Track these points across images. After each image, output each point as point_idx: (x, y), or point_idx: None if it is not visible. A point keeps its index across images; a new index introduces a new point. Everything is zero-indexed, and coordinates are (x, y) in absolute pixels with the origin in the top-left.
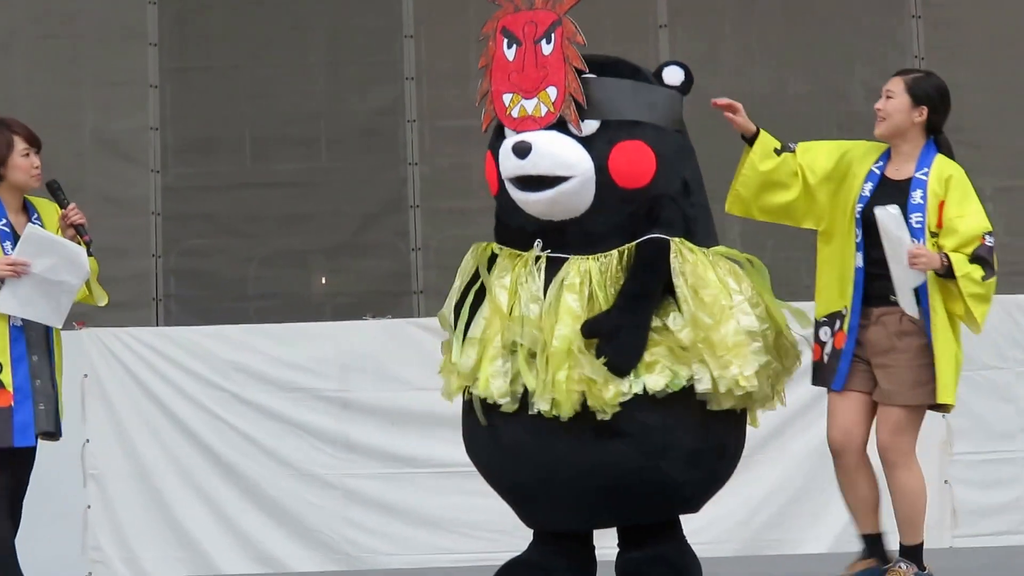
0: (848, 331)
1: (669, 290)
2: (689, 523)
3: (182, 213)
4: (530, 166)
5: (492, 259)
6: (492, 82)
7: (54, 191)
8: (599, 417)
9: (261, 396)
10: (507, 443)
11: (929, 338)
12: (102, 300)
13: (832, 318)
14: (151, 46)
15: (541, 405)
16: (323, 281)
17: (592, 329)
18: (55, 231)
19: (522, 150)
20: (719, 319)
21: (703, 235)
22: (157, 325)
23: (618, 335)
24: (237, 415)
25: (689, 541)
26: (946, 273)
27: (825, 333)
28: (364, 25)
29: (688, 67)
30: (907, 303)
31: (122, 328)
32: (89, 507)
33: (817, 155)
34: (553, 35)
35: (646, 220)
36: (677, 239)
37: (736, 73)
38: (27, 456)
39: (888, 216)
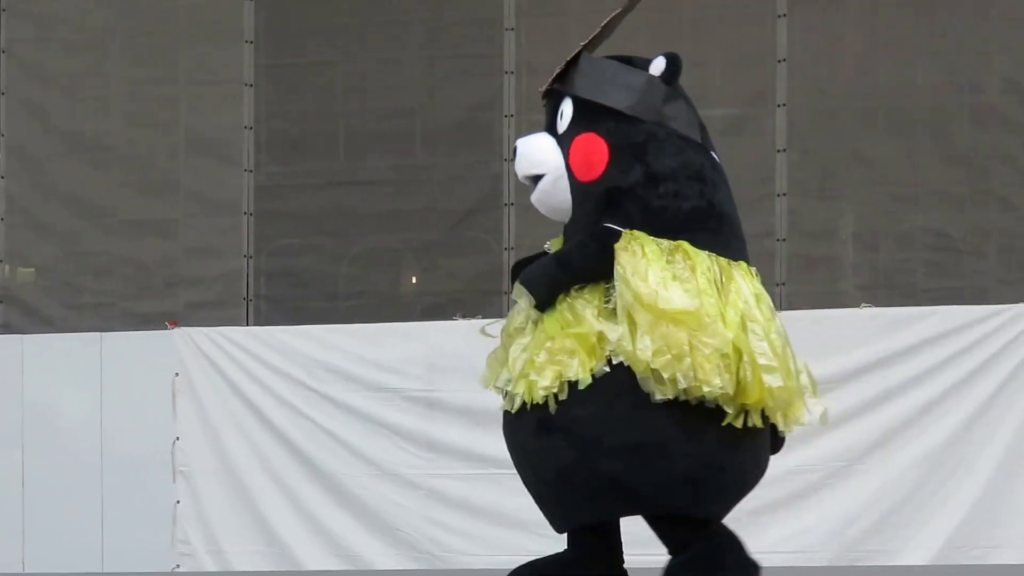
0: None
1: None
2: (780, 531)
3: (274, 212)
4: (518, 168)
5: None
6: None
7: None
8: (550, 408)
9: (348, 395)
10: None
11: None
12: None
13: None
14: (247, 43)
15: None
16: (414, 280)
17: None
18: None
19: (513, 153)
20: (646, 299)
21: (678, 226)
22: (248, 325)
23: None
24: (324, 414)
25: (779, 549)
26: None
27: None
28: (462, 18)
29: (675, 57)
30: None
31: (213, 328)
32: (178, 502)
33: None
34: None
35: (605, 210)
36: (630, 231)
37: (859, 65)
38: None
39: None
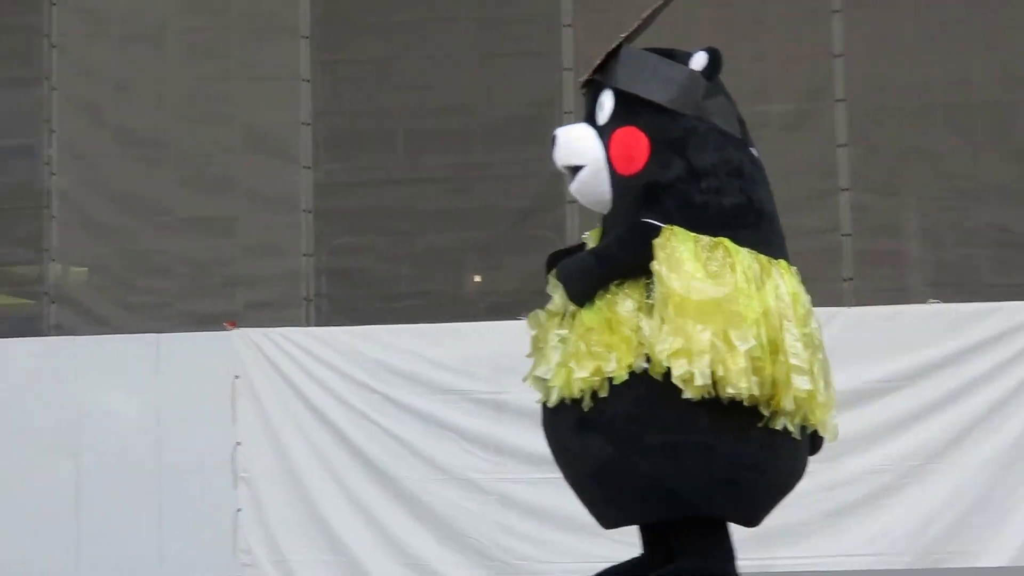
0: None
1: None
2: (859, 534)
3: (333, 210)
4: (557, 157)
5: None
6: None
7: None
8: (584, 405)
9: (412, 398)
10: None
11: None
12: None
13: None
14: (303, 39)
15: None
16: (476, 279)
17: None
18: None
19: (552, 141)
20: (681, 301)
21: (719, 223)
22: (307, 325)
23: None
24: (388, 417)
25: (860, 552)
26: None
27: None
28: (520, 14)
29: (716, 52)
30: None
31: (273, 328)
32: (240, 510)
33: None
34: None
35: (644, 205)
36: (670, 226)
37: (916, 59)
38: None
39: None
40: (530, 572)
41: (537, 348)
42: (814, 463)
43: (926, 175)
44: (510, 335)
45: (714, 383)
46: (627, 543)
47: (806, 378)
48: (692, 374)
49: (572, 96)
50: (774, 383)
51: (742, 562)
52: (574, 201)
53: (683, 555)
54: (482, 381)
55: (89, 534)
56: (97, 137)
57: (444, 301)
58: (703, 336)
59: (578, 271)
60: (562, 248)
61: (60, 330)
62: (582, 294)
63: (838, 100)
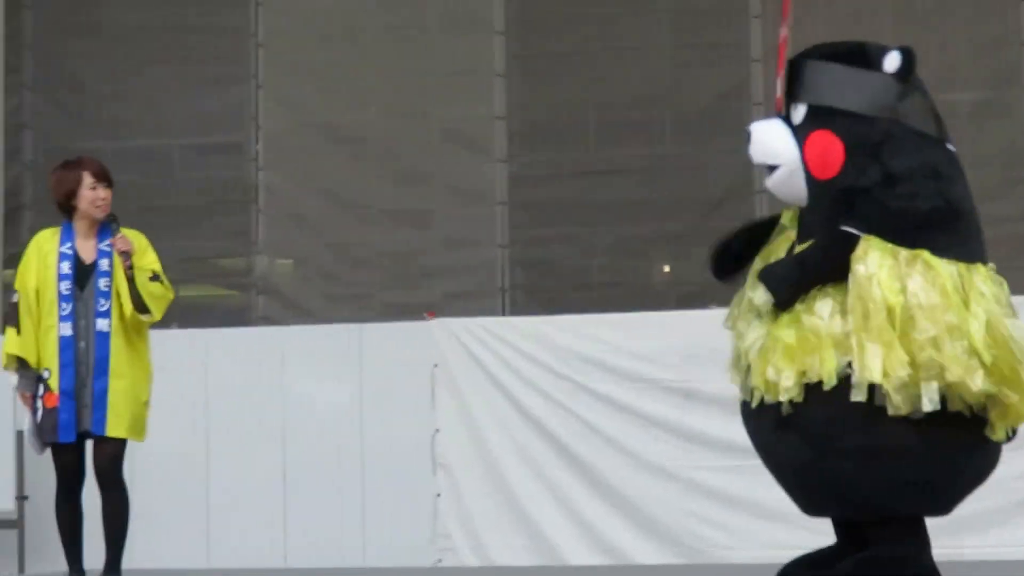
0: None
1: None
2: None
3: (527, 202)
4: (752, 153)
5: None
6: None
7: (109, 222)
8: (783, 410)
9: (605, 386)
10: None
11: None
12: (148, 317)
13: None
14: (497, 34)
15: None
16: (666, 269)
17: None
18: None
19: (746, 137)
20: (873, 311)
21: (917, 228)
22: (503, 315)
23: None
24: (582, 405)
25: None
26: None
27: None
28: (709, 6)
29: (909, 52)
30: None
31: (470, 318)
32: (439, 495)
33: None
34: (789, 19)
35: (843, 212)
36: (867, 236)
37: None
38: (73, 450)
39: None
40: (719, 558)
41: (737, 340)
42: (1007, 451)
43: None
44: (700, 325)
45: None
46: (815, 530)
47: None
48: (909, 396)
49: (761, 87)
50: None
51: (970, 550)
52: (764, 191)
53: (878, 542)
54: (672, 370)
55: (295, 519)
56: (301, 133)
57: (635, 291)
58: (900, 352)
59: (782, 277)
60: (730, 237)
61: (267, 321)
62: (785, 300)
63: None
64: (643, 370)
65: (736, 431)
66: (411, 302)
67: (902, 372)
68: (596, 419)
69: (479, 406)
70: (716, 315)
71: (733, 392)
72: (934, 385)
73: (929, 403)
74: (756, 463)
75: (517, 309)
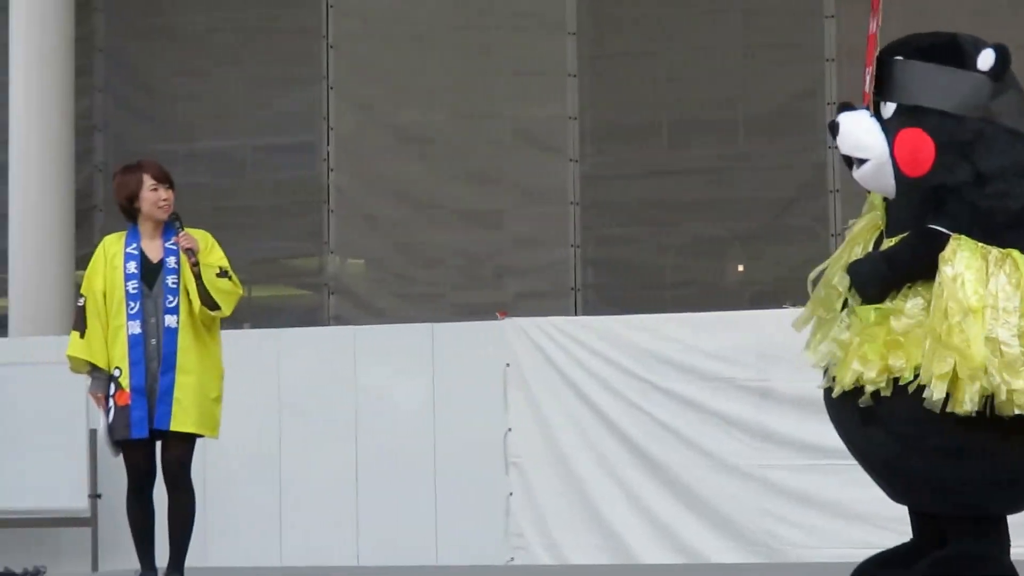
0: None
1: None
2: None
3: (599, 202)
4: (840, 145)
5: None
6: (866, 56)
7: (172, 220)
8: (862, 402)
9: (678, 385)
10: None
11: None
12: (217, 313)
13: None
14: (569, 35)
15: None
16: (740, 268)
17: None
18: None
19: (833, 129)
20: (952, 312)
21: (1007, 227)
22: (575, 314)
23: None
24: (655, 404)
25: None
26: None
27: None
28: (781, 6)
29: (1004, 50)
30: None
31: (542, 317)
32: (511, 494)
33: None
34: (879, 14)
35: (931, 210)
36: (957, 236)
37: None
38: (143, 449)
39: None
40: (794, 557)
41: (821, 326)
42: None
43: None
44: (774, 324)
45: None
46: (889, 528)
47: None
48: (962, 398)
49: (835, 87)
50: None
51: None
52: (837, 190)
53: (959, 538)
54: (747, 369)
55: (367, 519)
56: (372, 133)
57: (707, 290)
58: (979, 355)
59: (871, 274)
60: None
61: (338, 320)
62: (874, 297)
63: None
64: (717, 369)
65: (811, 430)
66: (483, 302)
67: (971, 374)
68: (669, 418)
69: (551, 405)
70: (790, 314)
71: (808, 391)
72: (1003, 388)
73: (969, 403)
74: (831, 461)
75: (588, 309)
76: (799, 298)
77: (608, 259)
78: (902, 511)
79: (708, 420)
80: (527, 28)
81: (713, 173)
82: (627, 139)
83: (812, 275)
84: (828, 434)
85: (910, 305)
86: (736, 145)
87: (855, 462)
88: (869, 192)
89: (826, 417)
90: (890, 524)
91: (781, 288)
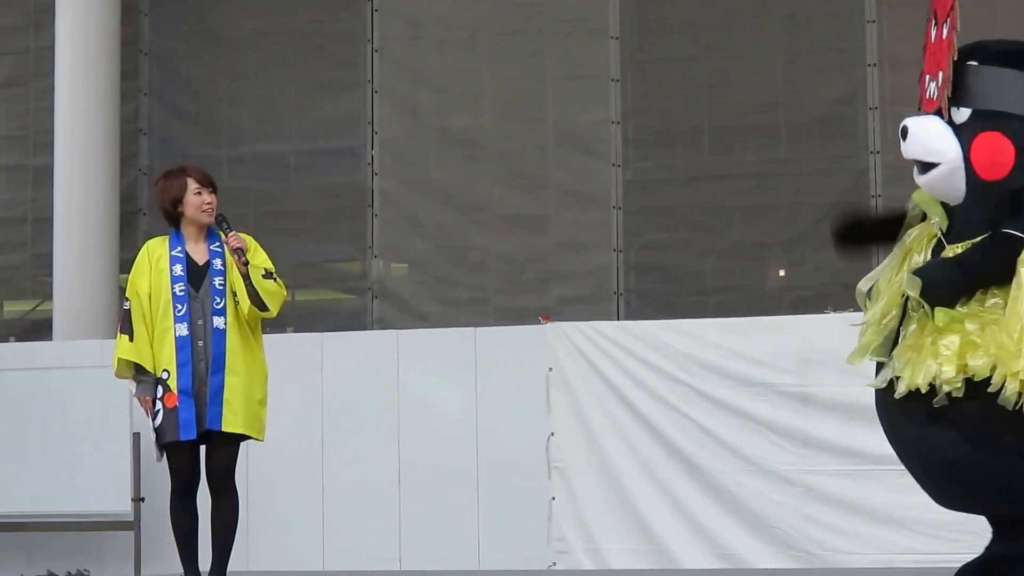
0: None
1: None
2: None
3: (643, 207)
4: (908, 149)
5: None
6: (923, 62)
7: (219, 222)
8: (936, 402)
9: (720, 390)
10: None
11: None
12: (266, 313)
13: None
14: (612, 39)
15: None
16: (781, 274)
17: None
18: (251, 254)
19: (903, 132)
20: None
21: None
22: (618, 319)
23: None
24: (697, 409)
25: None
26: None
27: None
28: (823, 11)
29: None
30: None
31: (585, 322)
32: (553, 498)
33: None
34: (948, 19)
35: (1008, 214)
36: None
37: None
38: (188, 453)
39: None
40: (835, 563)
41: (875, 325)
42: None
43: None
44: (816, 329)
45: None
46: (932, 535)
47: None
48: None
49: (877, 92)
50: None
51: None
52: (879, 196)
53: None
54: (788, 374)
55: (409, 522)
56: (416, 137)
57: (750, 295)
58: None
59: (943, 280)
60: (849, 213)
61: (382, 324)
62: (946, 302)
63: None
64: (760, 374)
65: (852, 435)
66: (526, 306)
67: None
68: (711, 423)
69: (594, 410)
70: (833, 319)
71: (849, 396)
72: None
73: None
74: (873, 467)
75: (632, 313)
76: (841, 304)
77: (651, 264)
78: (944, 517)
79: (749, 425)
80: (571, 33)
81: (755, 178)
82: (670, 144)
83: (862, 286)
84: (869, 440)
85: (988, 305)
86: (778, 150)
87: (896, 467)
88: (914, 200)
89: (867, 422)
90: (932, 530)
91: (822, 293)
